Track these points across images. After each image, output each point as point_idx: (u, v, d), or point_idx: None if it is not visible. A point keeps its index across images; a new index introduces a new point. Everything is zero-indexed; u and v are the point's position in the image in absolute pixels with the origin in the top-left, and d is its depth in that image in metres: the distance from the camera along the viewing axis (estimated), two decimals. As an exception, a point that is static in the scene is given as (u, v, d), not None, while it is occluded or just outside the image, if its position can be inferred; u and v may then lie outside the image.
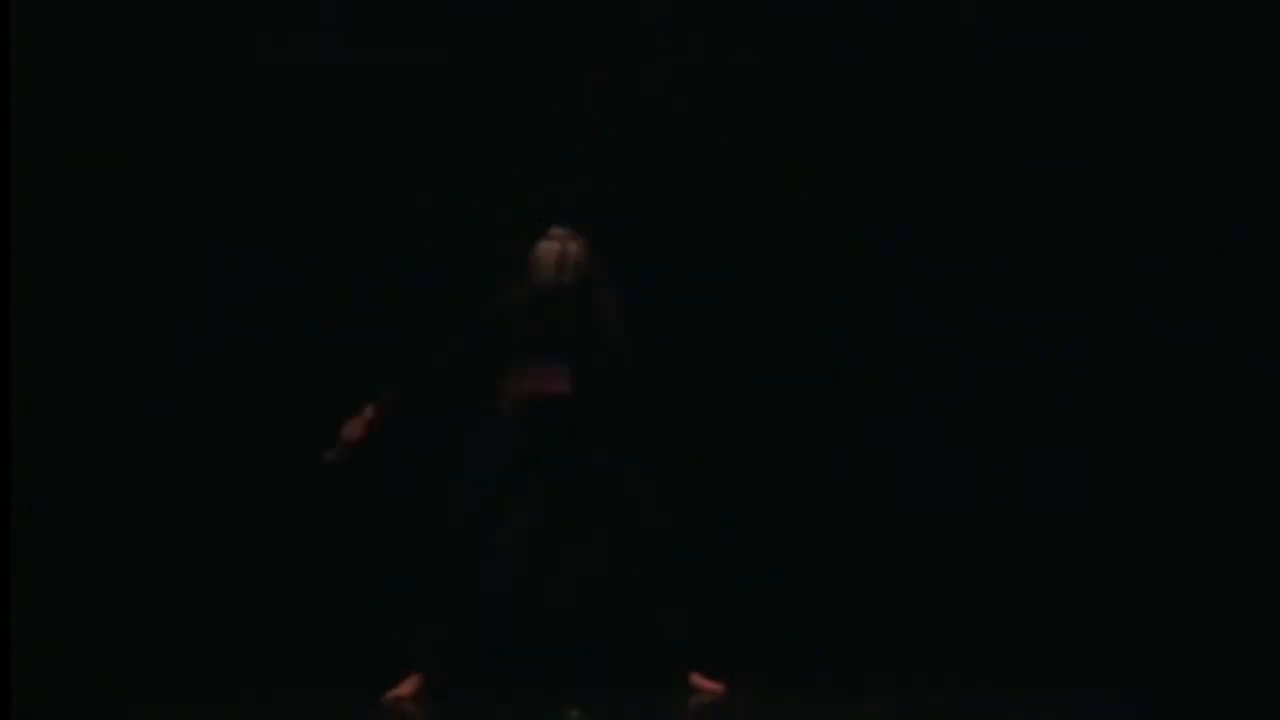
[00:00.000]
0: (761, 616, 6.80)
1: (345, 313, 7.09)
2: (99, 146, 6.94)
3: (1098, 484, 7.01)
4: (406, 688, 6.09)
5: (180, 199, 7.03)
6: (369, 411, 6.19)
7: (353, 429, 6.18)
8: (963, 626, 6.83)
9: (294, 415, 7.01)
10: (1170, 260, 7.05)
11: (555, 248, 6.17)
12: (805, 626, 6.83)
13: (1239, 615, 6.75)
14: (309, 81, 7.04)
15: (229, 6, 7.05)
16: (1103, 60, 7.07)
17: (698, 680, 6.13)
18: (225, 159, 7.03)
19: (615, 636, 6.15)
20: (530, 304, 6.17)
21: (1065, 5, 7.08)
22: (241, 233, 7.05)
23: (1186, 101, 7.04)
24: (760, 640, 6.65)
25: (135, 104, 6.99)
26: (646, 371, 6.26)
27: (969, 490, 7.03)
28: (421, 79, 7.03)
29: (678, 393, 6.90)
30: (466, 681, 6.09)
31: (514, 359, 6.18)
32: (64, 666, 6.44)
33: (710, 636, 6.14)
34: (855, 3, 7.12)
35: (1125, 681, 6.25)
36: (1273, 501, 6.90)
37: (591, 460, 6.14)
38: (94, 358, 6.96)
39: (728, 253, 7.18)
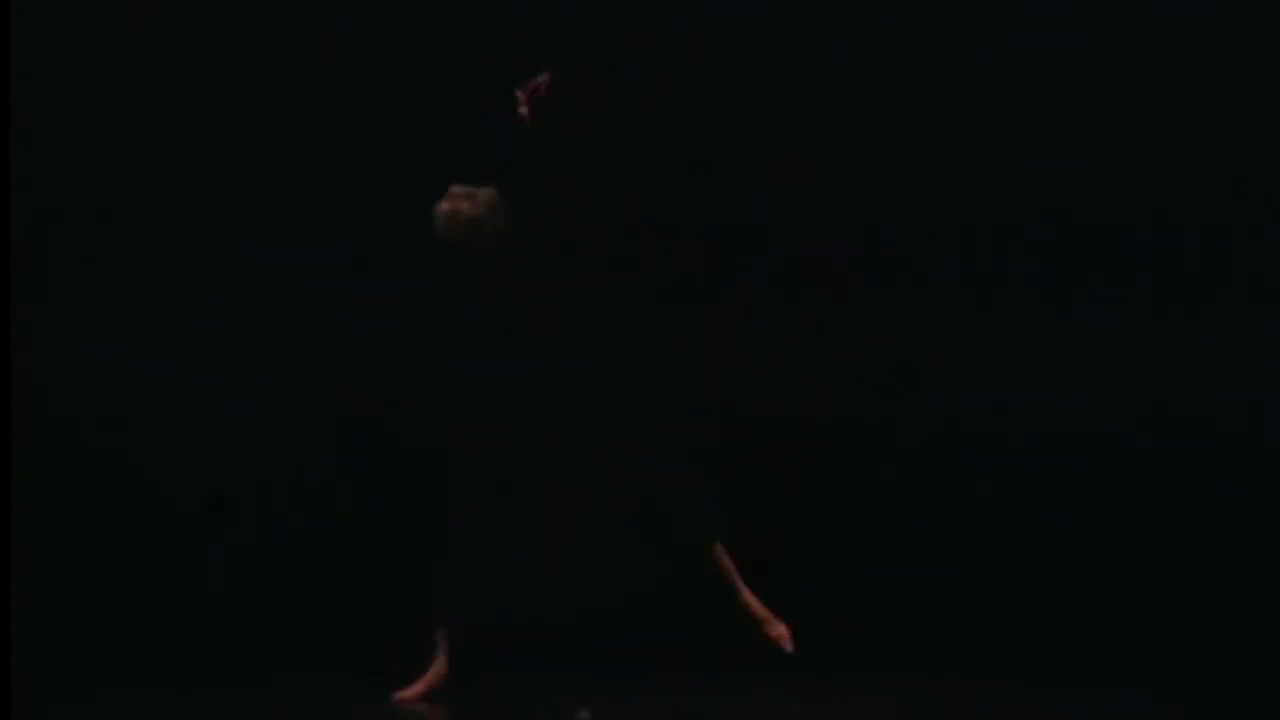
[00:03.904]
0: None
1: (347, 311, 7.09)
2: (99, 146, 6.95)
3: (1096, 483, 7.02)
4: (416, 689, 6.07)
5: (181, 199, 7.03)
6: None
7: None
8: (962, 626, 6.83)
9: (294, 414, 7.03)
10: (1171, 259, 7.05)
11: (446, 207, 6.06)
12: (805, 626, 6.82)
13: (1236, 615, 6.75)
14: (307, 80, 7.05)
15: (229, 5, 7.06)
16: (1100, 59, 7.07)
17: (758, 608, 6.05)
18: (226, 158, 7.03)
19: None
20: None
21: (1064, 5, 7.10)
22: (242, 231, 7.06)
23: (1184, 99, 7.05)
24: (761, 640, 6.64)
25: (135, 104, 6.99)
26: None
27: (968, 489, 7.04)
28: (417, 77, 7.04)
29: (676, 393, 6.90)
30: (478, 678, 6.06)
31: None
32: (64, 666, 6.45)
33: (710, 636, 6.14)
34: (855, 2, 7.13)
35: (1124, 681, 6.25)
36: (1271, 500, 6.90)
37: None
38: (94, 356, 6.96)
39: (726, 252, 7.19)
